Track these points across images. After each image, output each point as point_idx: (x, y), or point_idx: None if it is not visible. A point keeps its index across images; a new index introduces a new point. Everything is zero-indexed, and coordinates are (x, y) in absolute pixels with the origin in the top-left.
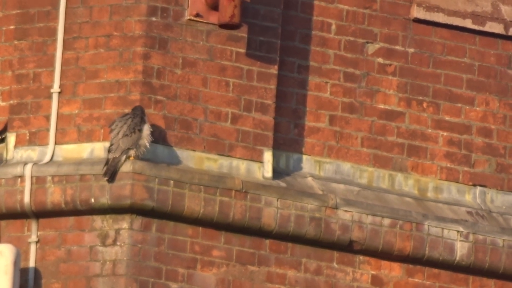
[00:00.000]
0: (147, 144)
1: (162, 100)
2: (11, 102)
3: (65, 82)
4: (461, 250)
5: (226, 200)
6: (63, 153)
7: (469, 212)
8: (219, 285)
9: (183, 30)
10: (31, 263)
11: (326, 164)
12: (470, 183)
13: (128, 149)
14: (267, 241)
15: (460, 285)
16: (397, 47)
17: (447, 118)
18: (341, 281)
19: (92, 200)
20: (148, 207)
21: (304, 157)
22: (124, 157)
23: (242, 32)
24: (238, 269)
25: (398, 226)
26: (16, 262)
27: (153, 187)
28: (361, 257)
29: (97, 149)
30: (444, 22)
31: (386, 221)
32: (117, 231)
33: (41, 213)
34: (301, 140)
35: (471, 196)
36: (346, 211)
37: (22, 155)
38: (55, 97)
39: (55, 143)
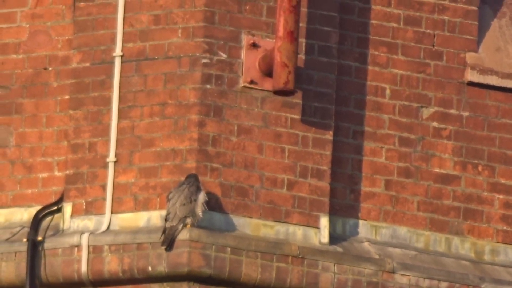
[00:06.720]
0: (200, 213)
1: (218, 167)
2: (67, 172)
3: (120, 151)
4: None
5: (283, 266)
6: (119, 222)
7: None
8: None
9: (237, 97)
10: None
11: (383, 228)
12: None
13: (185, 217)
14: None
15: None
16: (452, 111)
17: (502, 181)
18: None
19: (150, 268)
20: (205, 274)
21: (361, 222)
22: (181, 225)
23: (297, 98)
24: None
25: None
26: None
27: (210, 255)
28: None
29: (154, 217)
30: (498, 84)
31: (443, 285)
32: None
33: (98, 282)
34: (357, 205)
35: None
36: (403, 275)
37: (79, 225)
38: (111, 166)
39: (112, 212)
